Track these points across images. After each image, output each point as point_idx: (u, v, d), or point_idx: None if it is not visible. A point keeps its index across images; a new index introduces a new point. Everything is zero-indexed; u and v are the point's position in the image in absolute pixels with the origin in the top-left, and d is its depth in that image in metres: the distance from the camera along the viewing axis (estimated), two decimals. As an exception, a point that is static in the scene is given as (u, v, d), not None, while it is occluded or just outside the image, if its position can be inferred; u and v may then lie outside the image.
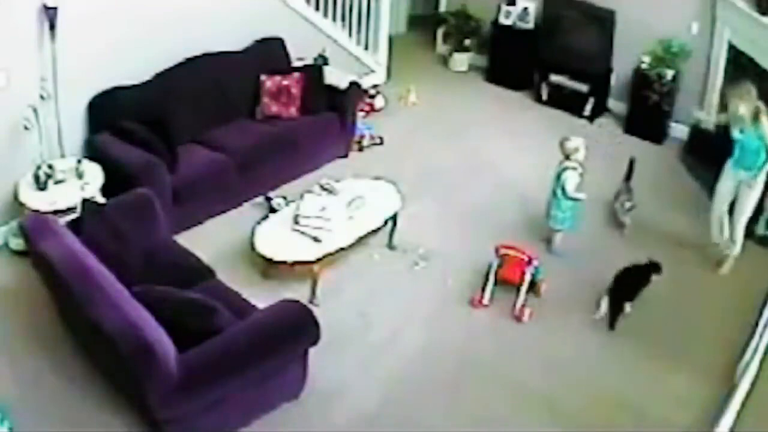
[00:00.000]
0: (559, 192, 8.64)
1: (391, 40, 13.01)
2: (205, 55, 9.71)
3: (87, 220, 6.94)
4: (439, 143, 11.13)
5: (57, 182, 8.16)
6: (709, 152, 10.42)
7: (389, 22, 12.82)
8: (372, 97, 12.00)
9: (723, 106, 9.01)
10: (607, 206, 9.69)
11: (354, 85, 10.58)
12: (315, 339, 6.43)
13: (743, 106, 8.26)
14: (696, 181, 10.46)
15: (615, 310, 8.01)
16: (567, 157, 8.63)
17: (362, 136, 10.95)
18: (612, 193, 9.69)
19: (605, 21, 11.65)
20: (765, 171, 8.45)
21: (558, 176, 8.64)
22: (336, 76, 10.58)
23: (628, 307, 8.05)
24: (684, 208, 9.88)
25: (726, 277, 8.71)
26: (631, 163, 9.71)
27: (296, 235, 8.01)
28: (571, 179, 8.55)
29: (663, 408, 6.96)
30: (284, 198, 9.26)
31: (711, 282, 8.68)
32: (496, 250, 8.22)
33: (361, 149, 10.88)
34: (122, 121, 8.66)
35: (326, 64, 11.11)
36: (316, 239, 7.93)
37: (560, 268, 8.64)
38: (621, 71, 11.88)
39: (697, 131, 11.05)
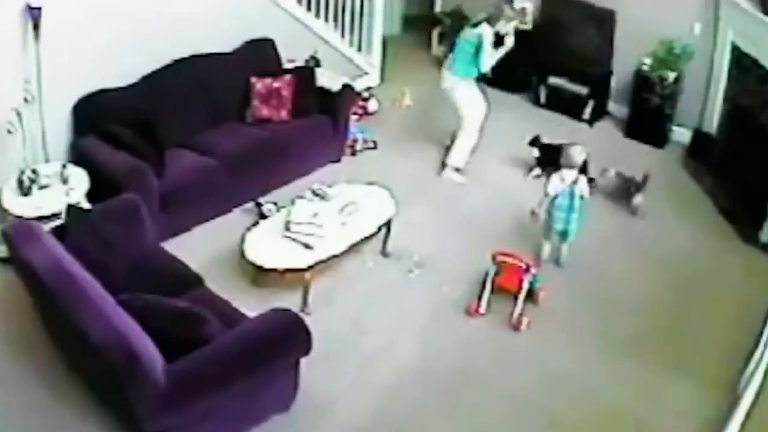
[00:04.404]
0: (577, 203, 8.55)
1: (384, 41, 13.04)
2: (193, 56, 9.72)
3: (72, 226, 6.95)
4: (435, 147, 11.14)
5: (41, 187, 8.15)
6: (712, 157, 10.49)
7: (383, 23, 12.86)
8: (365, 99, 12.02)
9: None
10: (610, 213, 9.78)
11: (347, 87, 10.60)
12: (307, 349, 6.42)
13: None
14: (699, 187, 10.51)
15: None
16: (570, 167, 8.56)
17: (355, 140, 10.98)
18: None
19: (605, 21, 11.70)
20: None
21: (571, 192, 8.51)
22: (328, 79, 10.61)
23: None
24: (687, 215, 9.93)
25: (730, 285, 8.74)
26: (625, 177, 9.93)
27: (287, 242, 8.00)
28: (586, 186, 8.57)
29: (664, 420, 6.97)
30: (275, 204, 9.25)
31: (714, 290, 8.67)
32: (493, 258, 8.21)
33: (354, 153, 10.90)
34: (108, 124, 8.64)
35: (318, 65, 11.14)
36: (307, 246, 7.92)
37: (559, 276, 8.67)
38: (621, 73, 11.92)
39: (700, 135, 11.08)
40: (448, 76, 10.38)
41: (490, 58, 10.04)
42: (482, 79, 11.33)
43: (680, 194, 10.34)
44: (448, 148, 10.66)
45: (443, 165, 10.62)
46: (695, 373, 7.47)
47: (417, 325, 7.97)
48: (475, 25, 10.12)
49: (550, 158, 9.88)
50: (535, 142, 10.55)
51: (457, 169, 10.56)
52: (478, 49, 9.96)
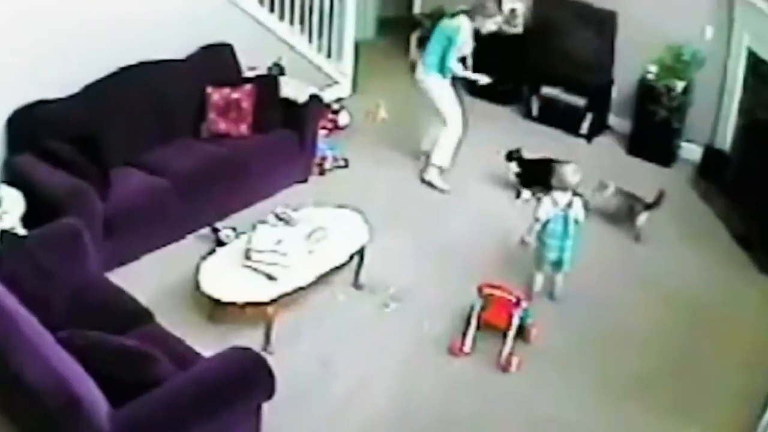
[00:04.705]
0: (572, 229, 8.55)
1: (357, 46, 13.11)
2: (142, 63, 9.74)
3: (5, 254, 6.93)
4: (413, 166, 11.24)
5: (-31, 211, 8.17)
6: (725, 176, 10.53)
7: (355, 26, 12.94)
8: (335, 112, 12.08)
9: None
10: (610, 238, 9.87)
11: (314, 98, 10.65)
12: (269, 392, 6.40)
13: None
14: (710, 210, 10.59)
15: None
16: (563, 188, 8.58)
17: (324, 158, 11.04)
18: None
19: (605, 24, 11.80)
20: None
21: (565, 216, 8.52)
22: (294, 89, 10.66)
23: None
24: (697, 241, 10.01)
25: (745, 320, 8.78)
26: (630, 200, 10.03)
27: (248, 272, 8.00)
28: (581, 210, 8.60)
29: (671, 471, 7.02)
30: (234, 229, 9.25)
31: (727, 325, 8.71)
32: (479, 290, 8.19)
33: (322, 173, 10.98)
34: (46, 140, 8.64)
35: (282, 74, 11.21)
36: (270, 277, 7.92)
37: (553, 311, 8.70)
38: (623, 83, 12.03)
39: (711, 152, 11.13)
40: (421, 71, 10.73)
41: (456, 61, 10.41)
42: (469, 90, 11.52)
43: (689, 218, 10.43)
44: (426, 156, 10.83)
45: (427, 164, 10.85)
46: (706, 418, 7.49)
47: (394, 365, 7.98)
48: (453, 15, 10.28)
49: (532, 175, 10.00)
50: (512, 156, 10.66)
51: (441, 171, 10.72)
52: (451, 41, 10.15)
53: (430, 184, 10.85)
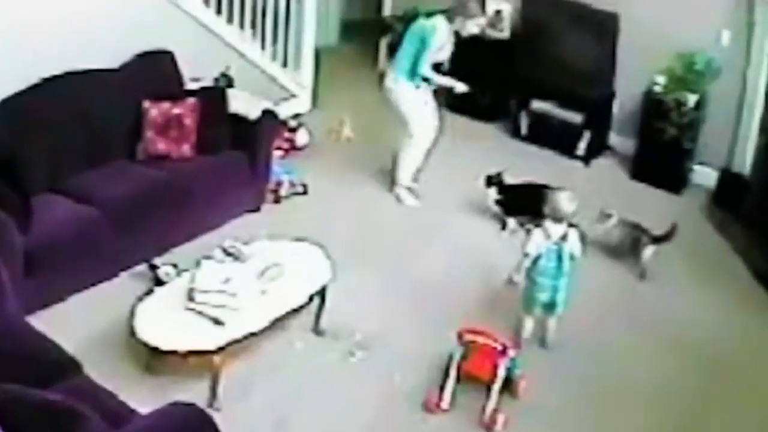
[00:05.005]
0: (566, 266, 8.51)
1: (318, 53, 13.16)
2: (68, 74, 9.70)
3: None
4: (382, 193, 11.33)
5: None
6: (744, 204, 10.58)
7: (316, 30, 13.01)
8: (292, 130, 12.14)
9: None
10: (611, 275, 9.96)
11: (268, 114, 10.70)
12: (216, 454, 6.49)
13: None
14: (727, 243, 10.65)
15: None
16: (556, 219, 8.57)
17: (279, 183, 11.09)
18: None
19: (605, 28, 11.88)
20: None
21: (559, 250, 8.49)
22: (244, 103, 10.68)
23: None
24: (711, 279, 10.07)
25: (767, 371, 8.84)
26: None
27: (191, 316, 7.95)
28: (578, 244, 8.59)
29: None
30: (174, 266, 9.26)
31: (746, 377, 8.73)
32: (459, 337, 8.16)
33: (277, 200, 11.05)
34: (-44, 163, 8.68)
35: (231, 86, 11.25)
36: (217, 321, 7.86)
37: (544, 360, 8.70)
38: (626, 96, 12.13)
39: (728, 176, 11.17)
40: (391, 78, 10.89)
41: (429, 67, 10.57)
42: (448, 104, 11.60)
43: (703, 252, 10.50)
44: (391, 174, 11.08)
45: (392, 181, 11.09)
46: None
47: (360, 423, 7.93)
48: (430, 15, 10.42)
49: (516, 203, 10.09)
50: (491, 180, 10.73)
51: (409, 189, 10.96)
52: (424, 43, 10.33)
53: (397, 198, 11.11)
